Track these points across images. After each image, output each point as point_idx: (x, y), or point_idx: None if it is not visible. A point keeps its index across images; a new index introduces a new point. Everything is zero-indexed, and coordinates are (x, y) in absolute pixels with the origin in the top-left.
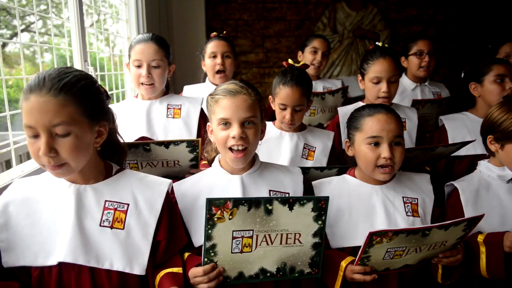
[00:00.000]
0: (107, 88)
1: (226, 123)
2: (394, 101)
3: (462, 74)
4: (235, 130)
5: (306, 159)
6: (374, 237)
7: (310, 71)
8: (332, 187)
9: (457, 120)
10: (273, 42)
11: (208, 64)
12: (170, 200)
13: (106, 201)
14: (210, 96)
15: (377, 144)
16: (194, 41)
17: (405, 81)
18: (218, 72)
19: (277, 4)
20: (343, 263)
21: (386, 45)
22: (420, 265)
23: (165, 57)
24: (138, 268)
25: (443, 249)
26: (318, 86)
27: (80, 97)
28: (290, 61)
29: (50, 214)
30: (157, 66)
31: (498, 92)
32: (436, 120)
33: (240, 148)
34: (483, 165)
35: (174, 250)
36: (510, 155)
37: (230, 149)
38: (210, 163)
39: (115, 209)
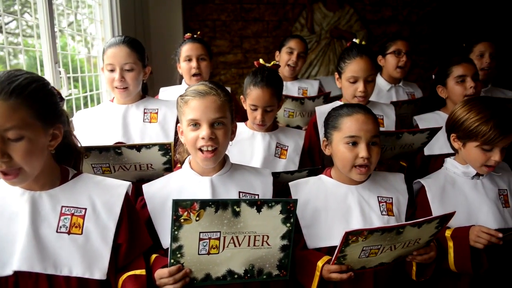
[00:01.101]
0: (81, 90)
1: (196, 124)
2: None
3: (433, 76)
4: (204, 131)
5: (279, 158)
6: (350, 237)
7: (286, 72)
8: (309, 188)
9: (429, 119)
10: (251, 42)
11: (184, 67)
12: (130, 203)
13: (62, 206)
14: (180, 97)
15: (354, 144)
16: (171, 42)
17: (380, 82)
18: (194, 75)
19: (254, 4)
20: (320, 263)
21: (363, 43)
22: (395, 262)
23: (139, 59)
24: (99, 272)
25: (417, 247)
26: (294, 87)
27: (31, 100)
28: (261, 61)
29: (4, 224)
30: (130, 69)
31: (461, 92)
32: (412, 119)
33: (209, 148)
34: (449, 162)
35: (137, 252)
36: (471, 153)
37: (200, 149)
38: (181, 164)
39: (72, 214)
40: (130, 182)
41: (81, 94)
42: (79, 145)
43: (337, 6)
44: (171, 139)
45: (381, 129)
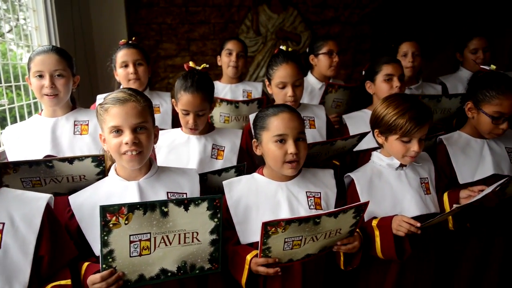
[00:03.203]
0: (23, 97)
1: (118, 131)
2: (303, 100)
3: (363, 72)
4: (127, 136)
5: (216, 159)
6: (268, 228)
7: (230, 73)
8: (242, 186)
9: (356, 117)
10: (198, 45)
11: (121, 73)
12: (51, 215)
13: None
14: (100, 106)
15: (283, 141)
16: (116, 48)
17: (312, 80)
18: (131, 80)
19: (200, 7)
20: (248, 257)
21: (289, 49)
22: (322, 253)
23: (68, 67)
24: (19, 286)
25: (340, 237)
26: (239, 90)
27: None
28: (191, 63)
29: None
30: (60, 76)
31: (387, 90)
32: (347, 107)
33: (134, 153)
34: (375, 155)
35: (61, 263)
36: (393, 146)
37: (125, 153)
38: (106, 172)
39: None
40: (51, 195)
41: (16, 103)
42: None
43: (281, 8)
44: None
45: (313, 133)
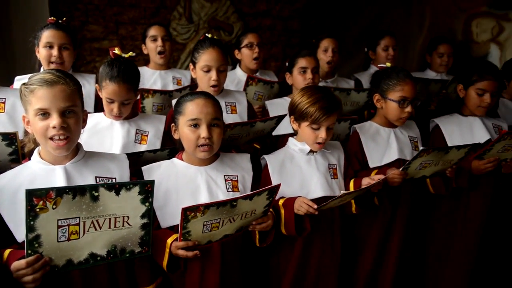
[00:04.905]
0: None
1: (45, 113)
2: None
3: (286, 64)
4: (55, 120)
5: (140, 143)
6: (188, 213)
7: (158, 60)
8: (161, 170)
9: (277, 104)
10: (128, 29)
11: (43, 53)
12: None
13: None
14: (24, 86)
15: (196, 126)
16: (36, 27)
17: (239, 73)
18: (53, 62)
19: None
20: (169, 241)
21: (215, 37)
22: (239, 233)
23: None
24: None
25: (255, 217)
26: (168, 76)
27: None
28: (117, 50)
29: None
30: None
31: (301, 81)
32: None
33: (61, 137)
34: (290, 141)
35: None
36: (305, 132)
37: (51, 138)
38: (28, 156)
39: None
40: None
41: None
42: None
43: None
44: (21, 130)
45: (234, 118)
